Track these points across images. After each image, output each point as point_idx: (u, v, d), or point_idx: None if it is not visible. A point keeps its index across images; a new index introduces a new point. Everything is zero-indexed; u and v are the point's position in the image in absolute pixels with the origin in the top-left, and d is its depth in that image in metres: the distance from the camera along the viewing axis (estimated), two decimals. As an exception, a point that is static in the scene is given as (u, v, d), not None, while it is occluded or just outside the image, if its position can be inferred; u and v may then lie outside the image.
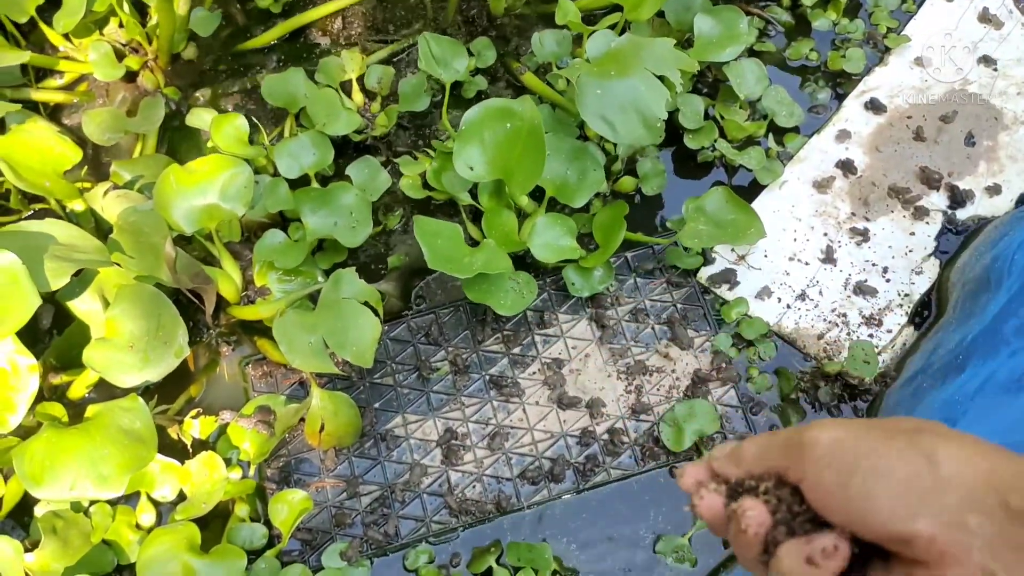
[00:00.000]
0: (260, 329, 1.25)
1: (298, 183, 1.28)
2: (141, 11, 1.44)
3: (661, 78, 1.13)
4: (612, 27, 1.27)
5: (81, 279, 1.17)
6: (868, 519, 0.39)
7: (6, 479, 1.13)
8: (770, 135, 1.31)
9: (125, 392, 1.12)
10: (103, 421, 1.04)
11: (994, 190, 1.26)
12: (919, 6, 1.43)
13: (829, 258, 1.23)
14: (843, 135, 1.32)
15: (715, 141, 1.29)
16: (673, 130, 1.32)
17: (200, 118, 1.34)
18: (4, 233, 1.12)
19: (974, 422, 0.84)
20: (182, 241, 1.25)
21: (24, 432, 1.08)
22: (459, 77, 1.28)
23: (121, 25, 1.40)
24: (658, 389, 1.18)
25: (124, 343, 1.11)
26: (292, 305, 1.21)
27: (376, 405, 1.19)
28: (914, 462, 0.39)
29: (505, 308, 1.14)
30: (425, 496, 1.14)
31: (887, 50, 1.39)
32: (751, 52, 1.39)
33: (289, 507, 1.09)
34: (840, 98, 1.36)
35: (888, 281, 1.21)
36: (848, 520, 0.40)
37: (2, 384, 1.02)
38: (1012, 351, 0.88)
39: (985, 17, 1.40)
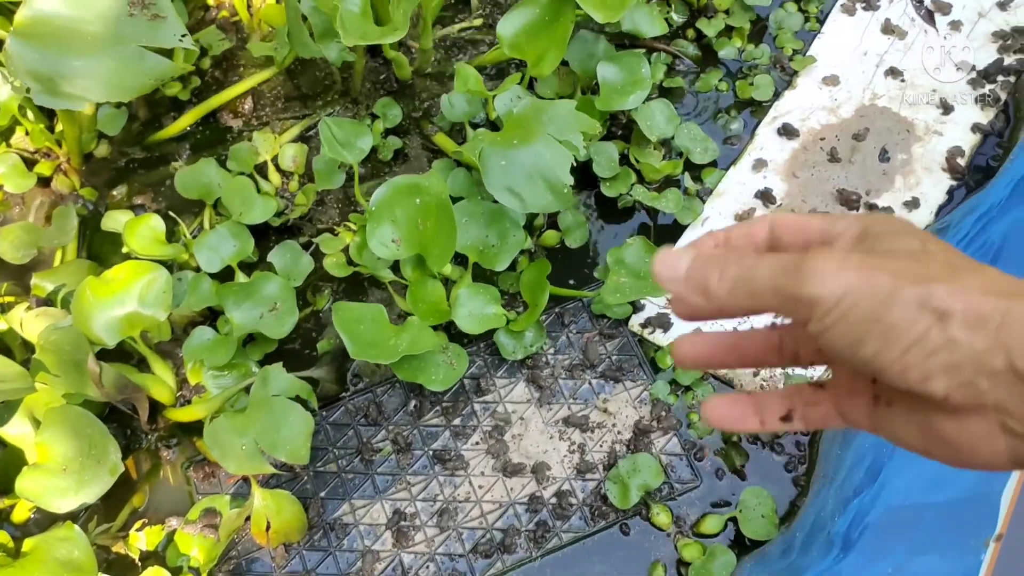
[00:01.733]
0: (199, 429, 1.23)
1: (222, 275, 1.27)
2: (48, 114, 1.42)
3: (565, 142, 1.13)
4: (520, 82, 1.27)
5: (8, 405, 1.15)
6: (882, 376, 0.38)
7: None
8: (687, 173, 1.32)
9: (66, 515, 1.11)
10: (40, 555, 1.03)
11: (912, 204, 1.27)
12: (822, 24, 1.44)
13: (757, 291, 1.23)
14: (759, 164, 1.32)
15: (632, 186, 1.29)
16: (593, 177, 1.32)
17: (115, 221, 1.32)
18: (-79, 371, 1.10)
19: (898, 470, 0.84)
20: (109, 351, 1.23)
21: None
22: (364, 155, 1.26)
23: (27, 133, 1.39)
24: (601, 445, 1.17)
25: (57, 467, 1.09)
26: (229, 401, 1.20)
27: (322, 494, 1.18)
28: (924, 320, 0.37)
29: (437, 383, 1.13)
30: (379, 583, 1.13)
31: (795, 73, 1.40)
32: (661, 89, 1.39)
33: (240, 616, 1.08)
34: (753, 127, 1.37)
35: (817, 308, 1.21)
36: (860, 370, 0.40)
37: (-69, 532, 1.01)
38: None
39: (888, 28, 1.41)
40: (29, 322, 1.21)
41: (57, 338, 1.16)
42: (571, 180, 1.10)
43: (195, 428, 1.24)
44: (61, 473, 1.09)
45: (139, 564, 1.16)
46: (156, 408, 1.25)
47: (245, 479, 1.21)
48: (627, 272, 1.17)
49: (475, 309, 1.17)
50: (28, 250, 1.29)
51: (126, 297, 1.18)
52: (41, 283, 1.28)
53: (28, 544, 1.05)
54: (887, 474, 0.85)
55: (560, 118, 1.12)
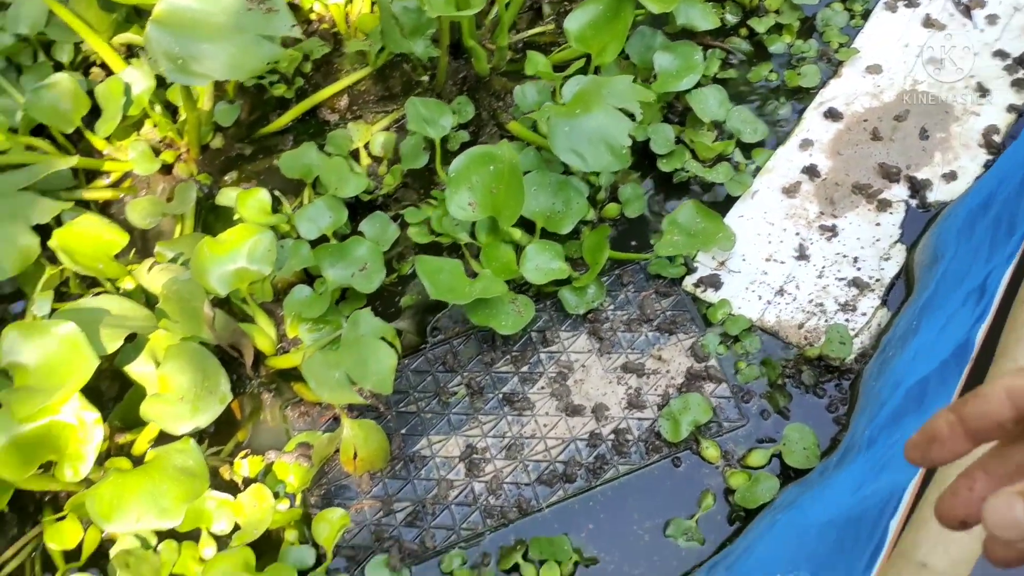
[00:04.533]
0: (296, 376, 1.39)
1: (318, 243, 1.43)
2: (172, 110, 1.63)
3: (624, 111, 1.27)
4: (583, 72, 1.41)
5: (135, 345, 1.33)
6: None
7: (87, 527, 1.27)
8: (738, 151, 1.44)
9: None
10: (161, 463, 1.19)
11: (951, 176, 1.36)
12: (866, 20, 1.55)
13: (802, 255, 1.34)
14: (806, 144, 1.43)
15: (686, 162, 1.41)
16: (651, 157, 1.45)
17: (228, 196, 1.51)
18: (64, 311, 1.29)
19: (933, 398, 0.93)
20: (222, 304, 1.40)
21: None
22: (445, 133, 1.42)
23: (155, 125, 1.59)
24: (655, 389, 1.28)
25: (175, 396, 1.26)
26: (321, 349, 1.35)
27: (403, 431, 1.32)
28: None
29: (507, 328, 1.27)
30: (453, 507, 1.25)
31: (840, 63, 1.51)
32: (715, 80, 1.52)
33: (330, 525, 1.21)
34: (800, 111, 1.48)
35: (859, 270, 1.31)
36: None
37: (72, 437, 1.17)
38: (948, 316, 0.97)
39: (928, 22, 1.52)
40: (154, 277, 1.39)
41: (178, 288, 1.34)
42: (628, 142, 1.24)
43: (292, 375, 1.39)
44: (179, 401, 1.25)
45: (241, 488, 1.30)
46: (259, 358, 1.41)
47: (335, 419, 1.36)
48: (680, 231, 1.29)
49: (541, 263, 1.30)
50: (154, 219, 1.48)
51: (237, 254, 1.35)
52: (163, 251, 1.46)
53: (150, 455, 1.21)
54: (906, 384, 0.94)
55: (618, 91, 1.26)
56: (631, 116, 1.26)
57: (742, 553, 1.02)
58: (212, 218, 1.58)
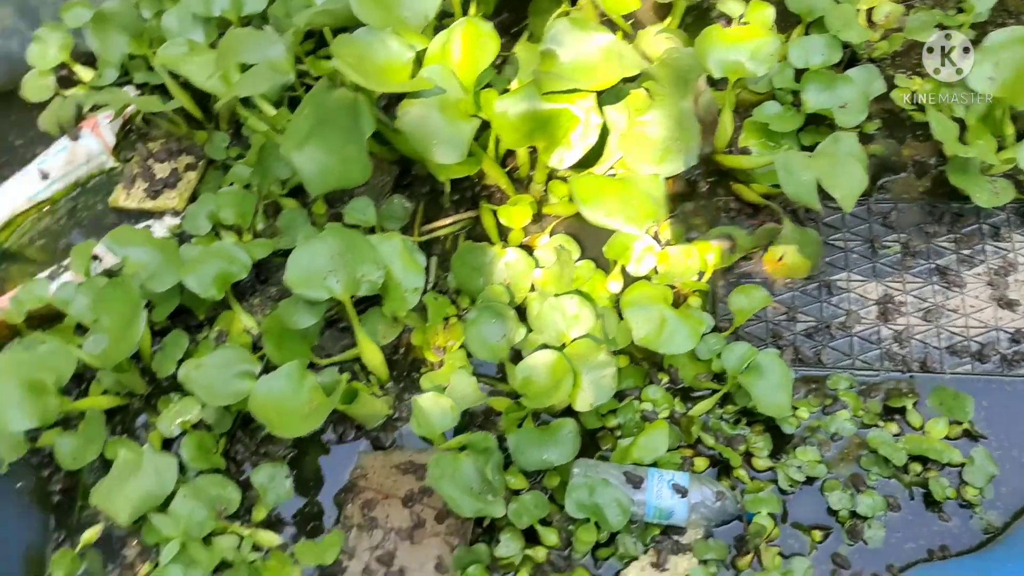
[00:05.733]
0: (736, 177, 1.47)
1: (799, 74, 1.49)
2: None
3: None
4: None
5: (618, 93, 1.44)
6: None
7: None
8: None
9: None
10: (633, 183, 1.31)
11: None
12: None
13: None
14: None
15: None
16: None
17: (728, 6, 1.60)
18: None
19: None
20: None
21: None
22: (975, 12, 1.43)
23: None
24: (1107, 321, 1.26)
25: (647, 142, 1.36)
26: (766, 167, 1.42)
27: (826, 259, 1.37)
28: None
29: (982, 200, 1.29)
30: (855, 338, 1.30)
31: None
32: None
33: (749, 299, 1.29)
34: None
35: None
36: None
37: (572, 129, 1.31)
38: None
39: None
40: (657, 41, 1.51)
41: (678, 57, 1.44)
42: None
43: (732, 175, 1.47)
44: (649, 147, 1.36)
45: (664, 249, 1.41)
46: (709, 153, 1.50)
47: (761, 224, 1.42)
48: None
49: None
50: None
51: (740, 49, 1.43)
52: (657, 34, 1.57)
53: (621, 175, 1.34)
54: None
55: None
56: None
57: None
58: (693, 28, 1.66)
